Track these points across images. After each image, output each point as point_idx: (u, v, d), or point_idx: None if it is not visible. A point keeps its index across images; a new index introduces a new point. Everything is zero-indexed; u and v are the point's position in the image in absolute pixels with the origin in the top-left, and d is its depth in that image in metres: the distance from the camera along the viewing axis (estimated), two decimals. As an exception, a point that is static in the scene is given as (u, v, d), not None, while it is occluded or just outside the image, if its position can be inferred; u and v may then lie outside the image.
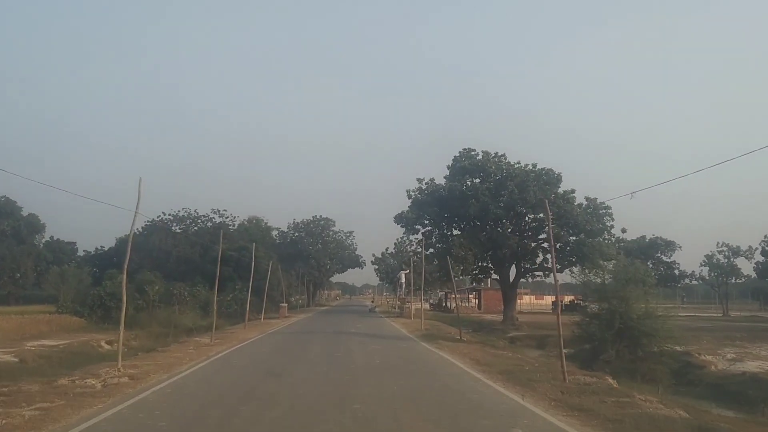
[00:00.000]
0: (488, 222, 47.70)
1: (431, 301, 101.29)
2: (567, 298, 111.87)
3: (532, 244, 49.60)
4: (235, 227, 76.80)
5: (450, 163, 49.99)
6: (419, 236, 52.39)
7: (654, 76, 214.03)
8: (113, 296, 43.22)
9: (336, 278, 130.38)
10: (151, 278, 48.39)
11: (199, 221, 75.75)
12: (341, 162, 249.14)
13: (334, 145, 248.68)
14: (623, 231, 47.71)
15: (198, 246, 67.92)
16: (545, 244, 49.50)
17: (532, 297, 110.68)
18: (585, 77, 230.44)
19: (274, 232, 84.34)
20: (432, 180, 50.39)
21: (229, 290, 58.48)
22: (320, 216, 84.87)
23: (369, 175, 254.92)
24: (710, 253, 76.89)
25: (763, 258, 76.68)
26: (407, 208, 49.90)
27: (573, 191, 46.56)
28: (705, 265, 77.89)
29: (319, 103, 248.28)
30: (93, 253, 77.61)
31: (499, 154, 48.79)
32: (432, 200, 49.27)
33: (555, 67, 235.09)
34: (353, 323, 38.10)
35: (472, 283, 55.68)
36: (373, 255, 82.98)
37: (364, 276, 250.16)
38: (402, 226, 51.03)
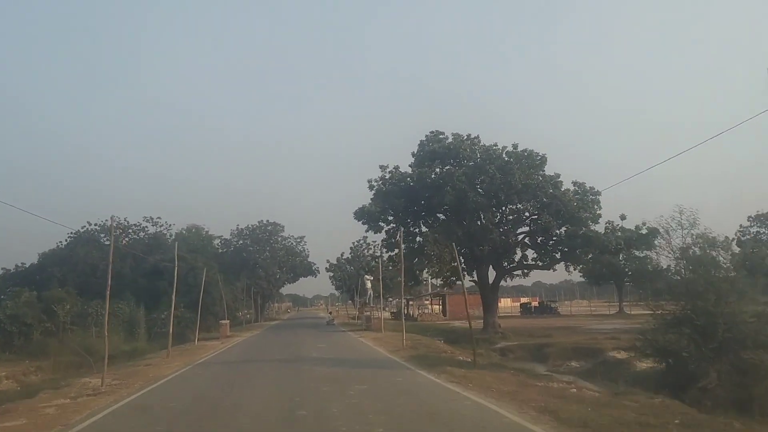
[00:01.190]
0: (466, 214, 39.90)
1: (390, 309, 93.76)
2: (521, 300, 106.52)
3: (514, 238, 42.08)
4: (173, 237, 67.35)
5: (415, 150, 42.20)
6: (383, 235, 44.25)
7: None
8: (15, 319, 34.85)
9: (286, 289, 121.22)
10: (62, 296, 39.13)
11: (130, 231, 65.92)
12: (289, 163, 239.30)
13: (280, 143, 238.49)
14: (623, 218, 40.45)
15: (129, 258, 58.61)
16: (528, 239, 42.05)
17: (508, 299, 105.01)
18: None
19: (216, 241, 75.12)
20: (397, 168, 42.44)
21: (164, 306, 49.67)
22: (267, 221, 76.11)
23: (320, 176, 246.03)
24: (684, 246, 71.05)
25: (739, 249, 71.20)
26: (369, 202, 41.69)
27: (559, 175, 39.27)
28: (680, 259, 72.02)
29: (264, 97, 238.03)
30: (13, 270, 66.87)
31: (472, 137, 41.11)
32: (398, 191, 41.34)
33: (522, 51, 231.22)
34: (313, 342, 29.71)
35: (444, 287, 47.55)
36: (328, 261, 74.75)
37: (315, 286, 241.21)
38: (363, 223, 42.82)
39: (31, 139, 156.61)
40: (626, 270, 71.74)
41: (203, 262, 58.98)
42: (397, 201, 40.57)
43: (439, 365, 16.97)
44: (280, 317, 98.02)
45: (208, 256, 67.12)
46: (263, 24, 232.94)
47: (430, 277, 43.94)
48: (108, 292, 17.03)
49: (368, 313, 41.33)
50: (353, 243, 74.99)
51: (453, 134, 41.36)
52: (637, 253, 64.05)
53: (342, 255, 74.90)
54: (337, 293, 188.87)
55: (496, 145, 39.97)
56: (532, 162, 39.44)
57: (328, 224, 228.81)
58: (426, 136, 42.15)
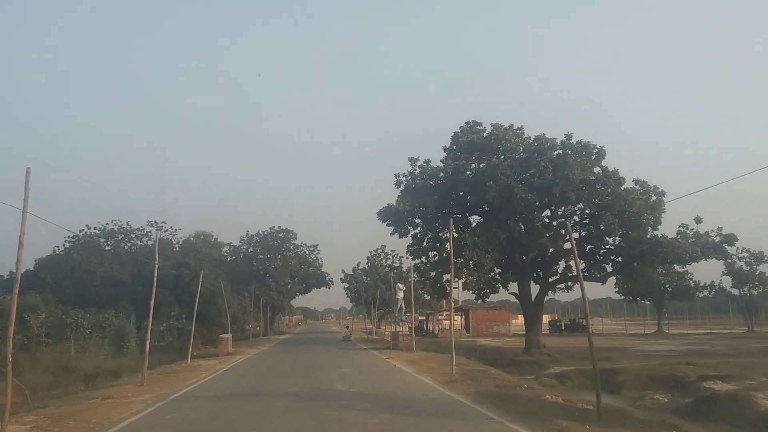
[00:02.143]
0: (509, 215, 33.58)
1: (404, 324, 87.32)
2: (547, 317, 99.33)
3: (563, 245, 35.72)
4: (179, 243, 61.59)
5: (447, 143, 36.08)
6: (409, 240, 38.01)
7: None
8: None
9: (296, 302, 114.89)
10: (36, 303, 33.13)
11: (133, 235, 60.03)
12: (304, 170, 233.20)
13: (296, 151, 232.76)
14: (698, 221, 33.76)
15: (129, 265, 52.98)
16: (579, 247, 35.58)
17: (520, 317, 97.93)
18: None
19: (225, 249, 69.15)
20: (428, 162, 36.20)
21: (164, 317, 43.81)
22: (279, 227, 69.90)
23: (336, 184, 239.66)
24: (730, 261, 64.14)
25: (788, 264, 64.44)
26: (396, 199, 35.33)
27: (617, 171, 33.05)
28: (726, 274, 65.14)
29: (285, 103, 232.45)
30: (7, 277, 61.16)
31: (515, 127, 34.85)
32: (430, 187, 35.03)
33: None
34: (333, 365, 23.32)
35: (478, 299, 40.96)
36: (343, 272, 68.42)
37: (326, 299, 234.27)
38: (388, 225, 36.50)
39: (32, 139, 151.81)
40: (666, 286, 64.99)
41: (209, 268, 53.42)
42: (429, 199, 34.26)
43: (539, 414, 10.65)
44: (290, 331, 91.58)
45: (215, 263, 61.45)
46: (277, 22, 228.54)
47: (462, 288, 37.43)
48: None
49: (399, 328, 34.71)
50: (370, 252, 68.93)
51: (492, 125, 35.13)
52: (678, 267, 57.53)
53: (358, 265, 68.67)
54: (348, 306, 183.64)
55: (543, 135, 33.61)
56: (588, 155, 33.18)
57: (343, 233, 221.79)
58: (461, 127, 35.94)
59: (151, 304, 18.27)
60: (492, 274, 34.83)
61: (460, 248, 32.92)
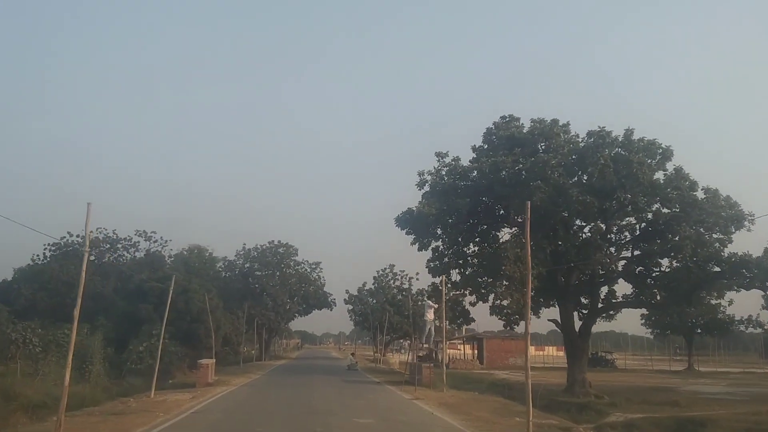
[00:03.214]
0: (556, 224, 27.40)
1: (432, 352, 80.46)
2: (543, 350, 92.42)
3: (616, 263, 29.58)
4: (172, 257, 55.30)
5: (476, 143, 30.10)
6: (429, 253, 31.91)
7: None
8: None
9: (294, 324, 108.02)
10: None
11: (119, 245, 53.73)
12: (308, 182, 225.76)
13: (301, 160, 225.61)
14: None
15: (113, 277, 47.08)
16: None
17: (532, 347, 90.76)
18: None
19: (220, 264, 62.66)
20: (457, 159, 30.08)
21: (145, 336, 37.73)
22: (279, 241, 63.45)
23: (342, 199, 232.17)
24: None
25: None
26: (420, 202, 29.10)
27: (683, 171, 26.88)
28: (766, 308, 58.44)
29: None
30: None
31: (560, 123, 28.72)
32: (461, 189, 28.88)
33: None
34: (344, 407, 16.86)
35: (508, 326, 34.22)
36: (347, 292, 61.77)
37: (325, 323, 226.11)
38: (408, 233, 30.27)
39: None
40: (700, 319, 58.27)
41: (199, 283, 47.34)
42: (461, 201, 27.95)
43: None
44: (287, 355, 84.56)
45: (208, 279, 55.14)
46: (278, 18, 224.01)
47: (491, 312, 31.00)
48: None
49: (421, 355, 27.96)
50: (377, 272, 62.41)
51: (532, 120, 29.05)
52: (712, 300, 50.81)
53: (364, 285, 62.17)
54: (347, 331, 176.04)
55: (604, 128, 27.37)
56: (652, 156, 27.01)
57: (347, 251, 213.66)
58: (494, 123, 30.04)
59: (76, 313, 11.84)
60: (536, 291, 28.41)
61: (497, 261, 26.63)
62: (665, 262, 29.00)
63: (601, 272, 29.27)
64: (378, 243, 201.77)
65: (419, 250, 31.52)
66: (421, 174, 29.84)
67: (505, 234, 31.09)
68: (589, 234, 27.19)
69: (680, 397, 27.33)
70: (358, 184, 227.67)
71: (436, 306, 24.97)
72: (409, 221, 29.79)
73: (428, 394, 20.87)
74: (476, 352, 64.40)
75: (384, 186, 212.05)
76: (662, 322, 61.05)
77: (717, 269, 26.96)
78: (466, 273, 30.91)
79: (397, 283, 61.94)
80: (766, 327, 59.42)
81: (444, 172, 29.49)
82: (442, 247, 31.50)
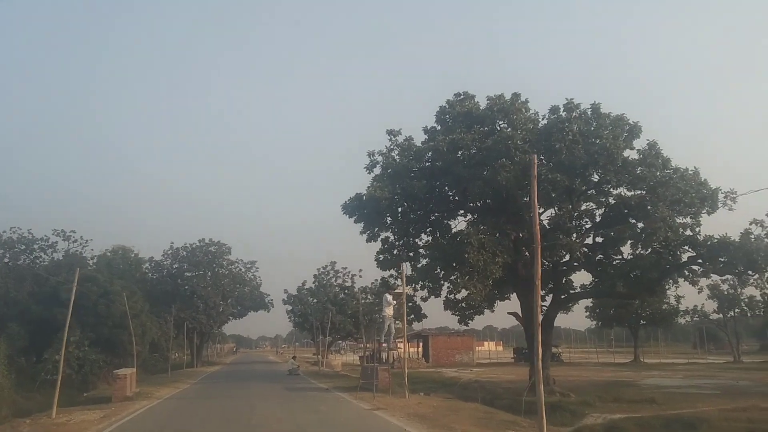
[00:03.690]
0: (521, 207, 24.69)
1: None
2: (497, 346, 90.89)
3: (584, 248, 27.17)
4: (94, 259, 50.22)
5: (428, 124, 27.22)
6: (379, 244, 28.83)
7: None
8: None
9: (228, 328, 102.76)
10: None
11: (36, 246, 48.35)
12: (243, 176, 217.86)
13: (235, 153, 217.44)
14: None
15: (28, 281, 42.20)
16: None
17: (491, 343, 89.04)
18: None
19: (146, 265, 57.74)
20: (410, 139, 27.05)
21: (61, 343, 33.25)
22: (210, 240, 58.98)
23: (279, 194, 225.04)
24: (713, 282, 57.00)
25: (774, 286, 57.70)
26: (371, 185, 25.86)
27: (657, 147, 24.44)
28: (710, 298, 58.07)
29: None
30: None
31: (521, 98, 25.96)
32: (415, 171, 25.82)
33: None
34: (294, 427, 13.05)
35: (463, 322, 31.16)
36: (286, 291, 57.90)
37: (261, 326, 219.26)
38: (358, 220, 26.99)
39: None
40: (648, 311, 57.22)
41: (122, 285, 42.98)
42: (416, 183, 24.84)
43: None
44: (222, 361, 79.74)
45: (133, 281, 50.47)
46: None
47: (445, 307, 28.01)
48: None
49: (385, 358, 24.24)
50: (318, 270, 58.79)
51: (488, 97, 26.21)
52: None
53: (303, 284, 58.41)
54: (284, 333, 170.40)
55: (573, 101, 24.75)
56: (619, 132, 24.54)
57: (285, 249, 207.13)
58: (448, 101, 27.01)
59: None
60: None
61: (459, 250, 23.68)
62: (627, 249, 26.90)
63: (563, 260, 26.75)
64: (319, 242, 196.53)
65: (368, 240, 28.27)
66: (371, 155, 26.64)
67: (460, 222, 28.36)
68: (557, 216, 24.50)
69: (653, 393, 25.18)
70: (298, 181, 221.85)
71: (395, 303, 21.74)
72: (358, 207, 26.48)
73: (390, 402, 17.67)
74: (421, 350, 61.74)
75: (326, 182, 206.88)
76: (606, 314, 59.81)
77: (691, 254, 24.81)
78: (419, 266, 28.06)
79: (339, 281, 58.55)
80: (711, 317, 59.12)
81: (396, 153, 26.39)
82: (393, 237, 28.45)
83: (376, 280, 54.66)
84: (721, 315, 58.89)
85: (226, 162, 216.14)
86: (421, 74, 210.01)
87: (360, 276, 58.05)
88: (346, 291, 58.50)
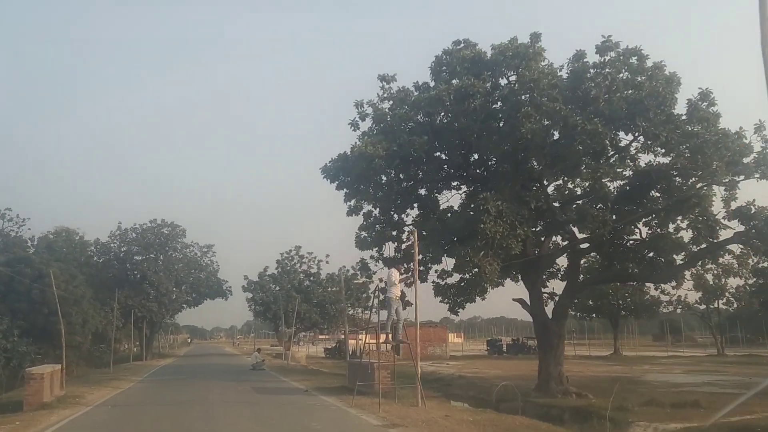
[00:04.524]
0: (540, 171, 20.24)
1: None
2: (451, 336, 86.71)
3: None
4: (34, 240, 45.02)
5: (420, 79, 22.60)
6: (363, 217, 24.26)
7: None
8: None
9: (183, 318, 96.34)
10: None
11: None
12: (202, 150, 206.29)
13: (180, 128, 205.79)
14: None
15: None
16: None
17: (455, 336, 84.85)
18: None
19: (92, 248, 51.72)
20: (405, 89, 22.23)
21: None
22: (163, 220, 53.21)
23: (240, 170, 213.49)
24: (696, 271, 53.76)
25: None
26: (360, 140, 21.00)
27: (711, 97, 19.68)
28: (692, 289, 54.73)
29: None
30: None
31: (540, 41, 21.21)
32: (413, 126, 21.06)
33: None
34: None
35: (455, 310, 26.30)
36: (246, 278, 52.44)
37: (217, 315, 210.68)
38: (341, 185, 22.24)
39: None
40: (629, 301, 53.68)
41: (60, 268, 37.82)
42: (418, 140, 20.04)
43: None
44: (175, 353, 73.64)
45: (76, 265, 44.97)
46: None
47: (435, 293, 23.23)
48: None
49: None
50: (281, 255, 53.54)
51: (493, 46, 21.44)
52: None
53: (266, 270, 53.04)
54: (239, 325, 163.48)
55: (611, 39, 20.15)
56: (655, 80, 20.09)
57: (246, 232, 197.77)
58: (445, 50, 22.18)
59: None
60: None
61: (472, 220, 19.09)
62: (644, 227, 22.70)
63: (587, 237, 22.31)
64: (283, 224, 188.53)
65: (350, 214, 23.56)
66: (359, 105, 21.71)
67: (453, 196, 23.83)
68: (592, 176, 19.93)
69: (698, 395, 21.07)
70: (262, 151, 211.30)
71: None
72: (341, 169, 21.59)
73: (403, 414, 12.89)
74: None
75: (293, 159, 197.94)
76: (585, 305, 56.10)
77: (738, 229, 20.65)
78: (404, 248, 23.55)
79: (305, 267, 53.39)
80: (693, 307, 55.89)
81: (388, 105, 21.56)
82: (376, 212, 23.78)
83: (343, 266, 50.48)
84: (704, 306, 55.75)
85: (177, 131, 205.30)
86: (410, 24, 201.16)
87: (327, 262, 53.12)
88: (312, 278, 53.47)
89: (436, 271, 23.81)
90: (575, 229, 22.12)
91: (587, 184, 21.12)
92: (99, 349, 45.18)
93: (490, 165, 21.52)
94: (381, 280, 20.40)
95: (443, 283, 22.73)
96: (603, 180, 20.24)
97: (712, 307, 55.46)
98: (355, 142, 21.23)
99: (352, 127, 22.42)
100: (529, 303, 23.55)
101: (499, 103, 20.35)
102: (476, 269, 18.69)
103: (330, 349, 56.75)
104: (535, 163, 20.55)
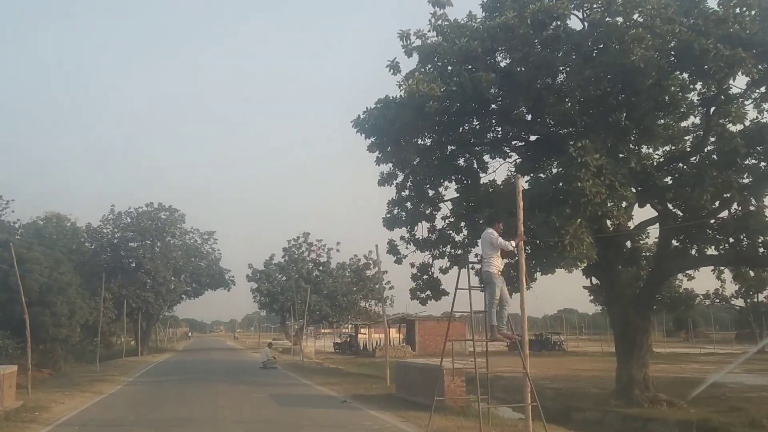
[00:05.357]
0: (646, 110, 15.47)
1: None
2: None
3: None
4: (20, 225, 41.22)
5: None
6: (396, 189, 19.65)
7: None
8: None
9: (181, 312, 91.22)
10: None
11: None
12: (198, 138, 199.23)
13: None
14: None
15: None
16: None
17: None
18: None
19: (84, 235, 47.12)
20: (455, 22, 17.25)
21: None
22: (161, 204, 48.46)
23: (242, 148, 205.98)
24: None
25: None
26: (412, 75, 16.05)
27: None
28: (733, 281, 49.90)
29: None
30: None
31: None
32: (476, 61, 16.12)
33: None
34: None
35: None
36: (251, 266, 47.71)
37: (222, 307, 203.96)
38: (377, 144, 17.48)
39: None
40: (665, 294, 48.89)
41: (43, 253, 33.82)
42: (485, 77, 15.10)
43: None
44: (173, 347, 68.78)
45: (65, 252, 40.80)
46: None
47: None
48: None
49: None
50: (288, 242, 48.78)
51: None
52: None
53: (272, 258, 48.31)
54: (239, 318, 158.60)
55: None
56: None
57: (247, 221, 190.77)
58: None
59: None
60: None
61: (565, 176, 14.40)
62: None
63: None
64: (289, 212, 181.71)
65: (382, 183, 19.24)
66: (404, 37, 16.79)
67: (501, 166, 19.33)
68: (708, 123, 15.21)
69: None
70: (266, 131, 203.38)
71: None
72: (381, 119, 16.77)
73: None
74: (404, 336, 52.37)
75: (300, 134, 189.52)
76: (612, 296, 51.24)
77: None
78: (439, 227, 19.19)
79: (313, 255, 48.65)
80: (732, 302, 51.23)
81: (445, 31, 16.63)
82: (410, 184, 19.21)
83: (355, 255, 45.88)
84: (742, 300, 50.99)
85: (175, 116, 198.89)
86: None
87: (337, 250, 48.42)
88: (321, 267, 48.77)
89: (477, 255, 19.25)
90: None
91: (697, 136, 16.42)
92: (93, 343, 40.98)
93: (572, 115, 16.66)
94: (472, 254, 15.38)
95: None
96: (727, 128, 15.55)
97: (750, 301, 50.86)
98: (403, 81, 16.40)
99: (392, 71, 17.52)
100: (606, 290, 19.03)
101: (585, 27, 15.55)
102: (568, 242, 13.92)
103: (340, 344, 52.08)
104: (629, 112, 15.80)
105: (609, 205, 14.22)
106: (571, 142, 14.14)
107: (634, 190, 15.71)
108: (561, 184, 14.53)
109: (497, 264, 10.00)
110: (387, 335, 30.27)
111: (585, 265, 14.94)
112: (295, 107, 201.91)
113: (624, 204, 14.47)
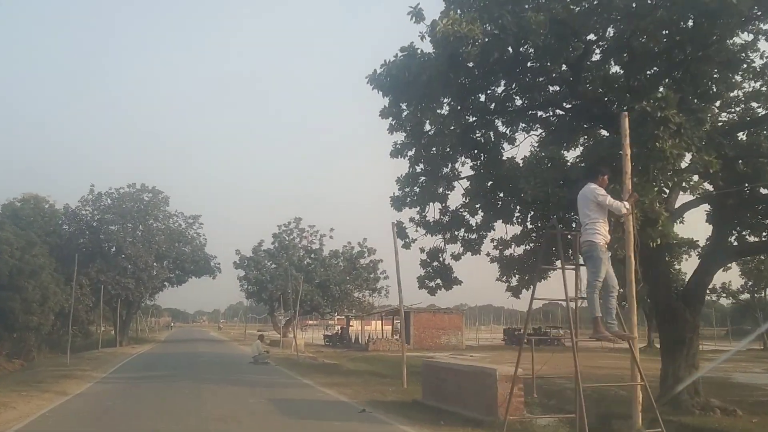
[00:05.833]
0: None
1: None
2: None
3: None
4: None
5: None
6: (408, 162, 16.82)
7: None
8: None
9: (164, 301, 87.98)
10: None
11: None
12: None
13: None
14: None
15: None
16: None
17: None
18: None
19: (62, 217, 44.12)
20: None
21: None
22: (143, 185, 45.28)
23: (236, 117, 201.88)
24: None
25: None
26: (448, 14, 13.13)
27: None
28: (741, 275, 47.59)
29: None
30: None
31: None
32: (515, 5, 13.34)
33: None
34: None
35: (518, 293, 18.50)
36: (238, 252, 44.78)
37: (205, 296, 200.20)
38: (396, 100, 14.65)
39: None
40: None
41: (13, 233, 31.02)
42: (533, 17, 12.32)
43: None
44: (155, 337, 65.58)
45: (41, 234, 38.13)
46: None
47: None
48: None
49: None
50: (279, 227, 45.87)
51: None
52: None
53: (260, 244, 45.36)
54: (223, 309, 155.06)
55: None
56: None
57: (236, 205, 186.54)
58: None
59: None
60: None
61: (638, 135, 11.61)
62: None
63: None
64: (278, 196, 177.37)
65: (396, 155, 16.47)
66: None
67: (523, 142, 16.84)
68: None
69: None
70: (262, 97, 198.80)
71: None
72: (406, 71, 13.93)
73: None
74: (396, 328, 49.78)
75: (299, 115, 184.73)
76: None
77: None
78: (452, 210, 16.64)
79: (305, 242, 45.80)
80: (740, 297, 49.14)
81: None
82: (423, 156, 16.43)
83: (348, 243, 43.13)
84: (748, 295, 48.95)
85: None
86: None
87: (331, 237, 45.61)
88: (313, 255, 45.91)
89: (492, 241, 17.05)
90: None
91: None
92: (71, 332, 38.21)
93: (630, 70, 13.93)
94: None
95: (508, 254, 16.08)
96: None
97: (758, 296, 48.83)
98: (426, 32, 13.59)
99: (414, 18, 14.59)
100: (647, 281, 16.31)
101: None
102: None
103: (330, 336, 49.37)
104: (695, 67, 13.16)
105: (682, 169, 11.61)
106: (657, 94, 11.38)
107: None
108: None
109: (604, 232, 7.23)
110: (402, 326, 27.82)
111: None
112: (293, 83, 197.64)
113: (710, 171, 11.73)
